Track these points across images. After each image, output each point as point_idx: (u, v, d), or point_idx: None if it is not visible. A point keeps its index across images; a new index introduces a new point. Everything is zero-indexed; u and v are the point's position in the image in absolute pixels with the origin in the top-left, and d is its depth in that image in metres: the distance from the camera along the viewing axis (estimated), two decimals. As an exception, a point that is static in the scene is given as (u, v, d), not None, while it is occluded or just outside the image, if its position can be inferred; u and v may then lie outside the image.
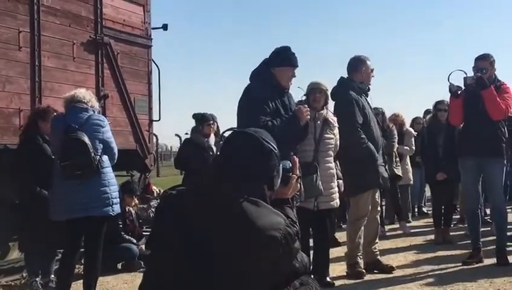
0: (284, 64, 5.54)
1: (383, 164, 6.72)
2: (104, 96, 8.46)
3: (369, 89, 6.91)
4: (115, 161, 5.73)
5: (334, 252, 7.35)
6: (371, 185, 6.62)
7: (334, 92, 6.79)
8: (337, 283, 6.33)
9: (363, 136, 6.48)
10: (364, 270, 6.60)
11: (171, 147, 44.90)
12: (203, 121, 8.57)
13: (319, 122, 6.19)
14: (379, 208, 7.09)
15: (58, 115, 5.83)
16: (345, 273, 6.67)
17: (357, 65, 6.83)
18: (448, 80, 7.00)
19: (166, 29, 10.35)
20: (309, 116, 5.60)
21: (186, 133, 9.11)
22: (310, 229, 6.30)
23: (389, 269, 6.79)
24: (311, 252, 6.07)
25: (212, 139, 8.56)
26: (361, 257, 6.72)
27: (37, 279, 6.51)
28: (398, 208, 10.00)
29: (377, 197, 6.87)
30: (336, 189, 6.37)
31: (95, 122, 5.56)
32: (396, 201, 9.98)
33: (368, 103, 6.85)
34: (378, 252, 6.96)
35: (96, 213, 5.47)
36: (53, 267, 6.58)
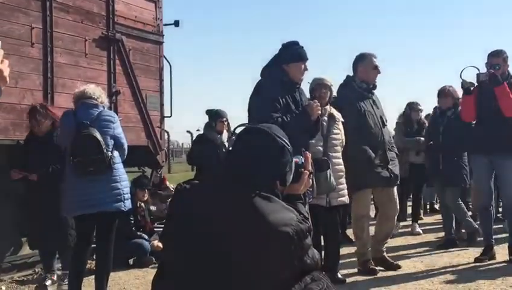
0: (295, 59, 5.52)
1: (381, 164, 6.58)
2: (116, 92, 8.47)
3: (373, 87, 6.81)
4: (125, 156, 5.75)
5: (346, 249, 7.34)
6: (365, 184, 6.56)
7: (337, 92, 6.82)
8: (349, 279, 6.32)
9: (355, 138, 6.44)
10: (376, 268, 6.58)
11: (182, 144, 45.09)
12: (216, 117, 8.58)
13: (325, 117, 6.19)
14: (398, 207, 7.01)
15: (68, 111, 5.84)
16: (356, 270, 6.66)
17: (356, 63, 6.78)
18: (461, 77, 6.96)
19: (178, 26, 10.34)
20: (320, 112, 5.58)
21: (198, 130, 9.16)
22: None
23: (395, 267, 6.76)
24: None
25: (225, 135, 8.57)
26: (372, 252, 6.72)
27: (48, 274, 6.54)
28: (417, 208, 10.01)
29: (395, 196, 6.83)
30: (345, 185, 6.35)
31: (106, 118, 5.58)
32: (418, 200, 10.04)
33: (374, 101, 6.76)
34: (385, 249, 6.92)
35: (108, 209, 5.49)
36: (65, 263, 6.61)
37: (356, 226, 6.75)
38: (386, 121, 6.99)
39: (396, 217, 7.14)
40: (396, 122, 10.02)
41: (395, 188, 6.90)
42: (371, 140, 6.52)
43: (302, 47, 5.60)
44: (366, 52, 6.82)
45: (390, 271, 6.66)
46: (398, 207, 7.04)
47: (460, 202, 8.23)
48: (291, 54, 5.54)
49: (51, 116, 6.42)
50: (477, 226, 8.20)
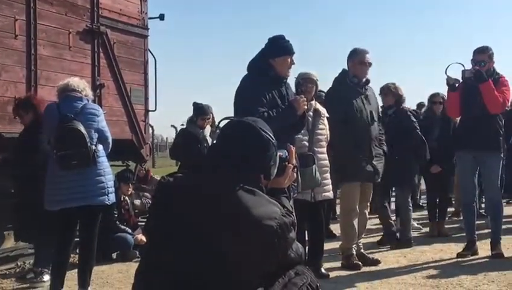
0: (281, 53, 5.49)
1: (365, 158, 6.59)
2: (100, 85, 8.44)
3: (366, 82, 6.80)
4: (109, 150, 5.73)
5: (329, 244, 7.36)
6: (348, 178, 6.57)
7: (332, 85, 6.86)
8: (332, 274, 6.34)
9: (342, 131, 6.46)
10: (360, 263, 6.60)
11: (166, 138, 45.01)
12: (199, 113, 8.58)
13: (310, 112, 6.18)
14: (368, 203, 7.06)
15: (52, 104, 5.79)
16: (340, 265, 6.69)
17: (348, 57, 6.82)
18: (446, 73, 6.98)
19: (163, 19, 10.31)
20: (306, 107, 5.57)
21: (182, 124, 9.12)
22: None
23: (374, 262, 6.79)
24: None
25: (207, 130, 8.58)
26: (355, 248, 6.74)
27: (32, 268, 6.48)
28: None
29: (370, 193, 6.87)
30: (330, 180, 6.36)
31: (90, 112, 5.55)
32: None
33: (366, 96, 6.76)
34: (361, 246, 6.95)
35: (92, 202, 5.47)
36: (42, 260, 6.56)
37: (344, 220, 6.77)
38: (379, 117, 6.97)
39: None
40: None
41: (371, 185, 6.95)
42: (356, 134, 6.53)
43: (288, 41, 5.57)
44: (359, 48, 6.84)
45: (373, 266, 6.69)
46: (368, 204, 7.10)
47: (410, 207, 8.17)
48: (277, 48, 5.51)
49: (33, 109, 6.33)
50: (411, 236, 8.09)
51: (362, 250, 6.93)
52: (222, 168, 2.62)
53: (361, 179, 6.67)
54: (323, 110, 6.42)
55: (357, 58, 6.75)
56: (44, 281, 6.24)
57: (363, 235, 7.03)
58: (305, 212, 6.04)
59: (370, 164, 6.63)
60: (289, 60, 5.51)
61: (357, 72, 6.75)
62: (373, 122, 6.75)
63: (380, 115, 7.08)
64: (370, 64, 6.80)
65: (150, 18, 9.91)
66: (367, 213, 7.08)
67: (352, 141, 6.50)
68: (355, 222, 6.71)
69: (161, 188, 2.73)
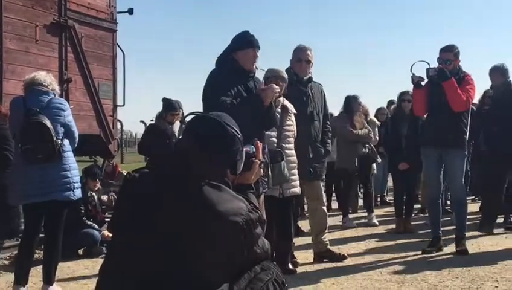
0: (244, 46, 5.50)
1: (300, 157, 6.52)
2: (67, 80, 8.35)
3: (308, 80, 6.72)
4: (76, 145, 5.68)
5: (297, 240, 7.40)
6: None
7: None
8: (299, 270, 6.37)
9: None
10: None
11: (136, 134, 44.74)
12: (167, 109, 8.53)
13: (278, 109, 6.18)
14: (323, 201, 7.09)
15: (18, 98, 5.73)
16: (307, 261, 6.73)
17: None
18: (411, 71, 7.07)
19: (132, 14, 10.24)
20: (276, 94, 5.53)
21: (152, 120, 9.07)
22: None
23: (341, 257, 6.83)
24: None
25: (176, 126, 8.54)
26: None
27: None
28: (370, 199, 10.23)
29: (319, 191, 6.91)
30: (297, 176, 6.37)
31: (56, 106, 5.50)
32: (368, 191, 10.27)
33: (309, 94, 6.72)
34: (327, 242, 6.97)
35: (57, 197, 5.41)
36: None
37: None
38: (324, 116, 6.92)
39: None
40: (340, 115, 10.08)
41: (319, 183, 6.98)
42: (299, 134, 6.51)
43: (253, 36, 5.58)
44: (301, 45, 6.80)
45: (340, 263, 6.72)
46: (325, 201, 7.08)
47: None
48: (241, 42, 5.52)
49: None
50: None
51: (329, 246, 6.96)
52: (187, 163, 2.61)
53: (303, 178, 6.65)
54: (290, 107, 6.42)
55: (295, 56, 6.75)
56: None
57: (326, 231, 7.02)
58: (273, 209, 6.04)
59: (306, 163, 6.61)
60: (252, 53, 5.51)
61: (296, 70, 6.72)
62: (313, 122, 6.73)
63: (327, 113, 7.06)
64: (308, 61, 6.74)
65: (119, 12, 9.84)
66: (324, 208, 7.05)
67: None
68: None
69: (126, 184, 2.72)
